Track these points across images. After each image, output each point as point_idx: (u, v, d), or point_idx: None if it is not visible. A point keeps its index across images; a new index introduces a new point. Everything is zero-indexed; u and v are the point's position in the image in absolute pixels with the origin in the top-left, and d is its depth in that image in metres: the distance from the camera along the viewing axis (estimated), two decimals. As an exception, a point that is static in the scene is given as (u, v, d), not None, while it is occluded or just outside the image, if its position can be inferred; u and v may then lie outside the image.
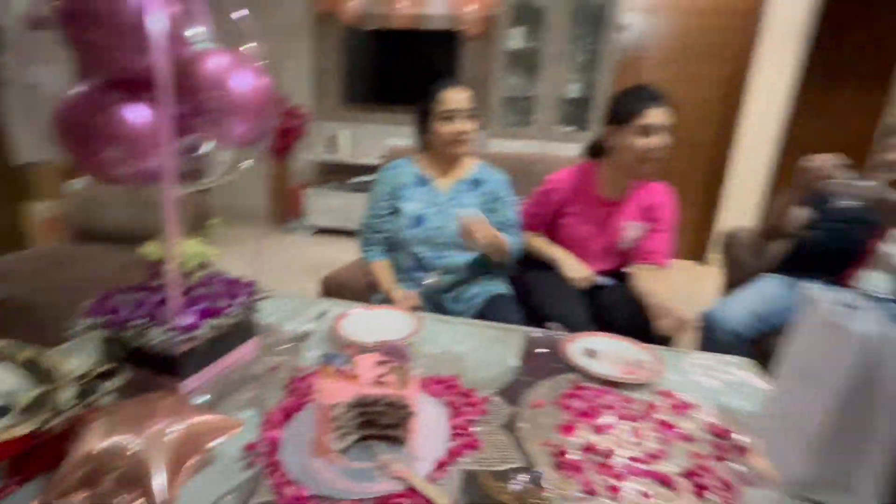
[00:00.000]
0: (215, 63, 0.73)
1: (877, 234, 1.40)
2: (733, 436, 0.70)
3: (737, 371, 0.92)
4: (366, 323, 1.00)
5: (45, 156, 2.57)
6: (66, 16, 0.57)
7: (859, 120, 3.31)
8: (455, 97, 1.30)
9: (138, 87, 0.66)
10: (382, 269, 1.37)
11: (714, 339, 1.29)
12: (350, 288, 1.54)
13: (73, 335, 0.73)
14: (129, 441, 0.52)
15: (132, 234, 1.79)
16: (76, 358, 0.72)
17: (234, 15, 0.75)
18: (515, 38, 3.46)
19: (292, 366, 0.85)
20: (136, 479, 0.51)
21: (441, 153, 1.35)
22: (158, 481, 0.51)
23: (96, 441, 0.51)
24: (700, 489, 0.59)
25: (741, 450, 0.67)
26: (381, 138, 4.20)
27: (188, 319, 0.72)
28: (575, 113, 3.50)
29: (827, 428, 0.57)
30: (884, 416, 0.55)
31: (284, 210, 4.49)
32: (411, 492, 0.56)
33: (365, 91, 4.06)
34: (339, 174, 4.35)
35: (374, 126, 4.22)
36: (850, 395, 0.55)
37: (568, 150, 3.06)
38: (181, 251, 0.75)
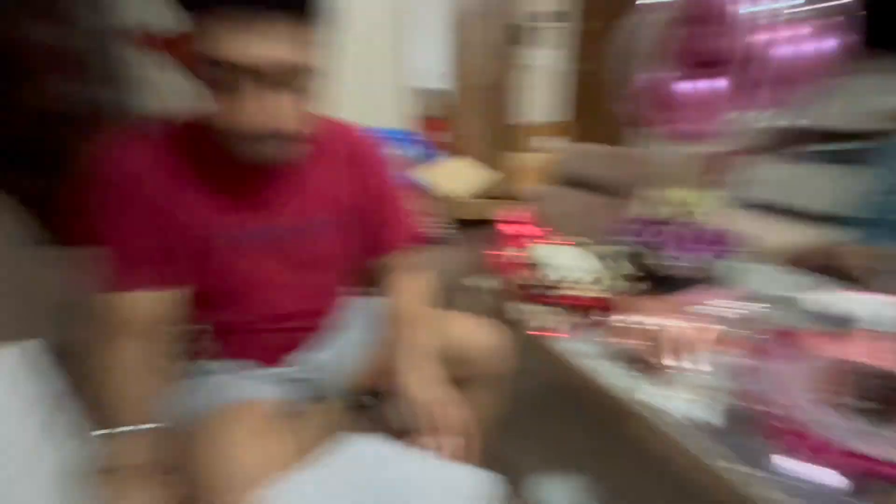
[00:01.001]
0: (774, 35, 0.81)
1: None
2: None
3: None
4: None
5: (536, 118, 3.43)
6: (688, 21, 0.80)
7: None
8: None
9: (704, 65, 0.84)
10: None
11: None
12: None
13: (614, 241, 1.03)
14: (660, 321, 0.76)
15: (606, 186, 2.08)
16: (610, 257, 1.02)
17: None
18: None
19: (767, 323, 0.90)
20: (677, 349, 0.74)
21: None
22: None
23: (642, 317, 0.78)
24: None
25: None
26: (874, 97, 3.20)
27: (696, 253, 0.91)
28: None
29: None
30: None
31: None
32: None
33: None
34: (795, 142, 3.67)
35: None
36: None
37: None
38: (696, 199, 0.94)
